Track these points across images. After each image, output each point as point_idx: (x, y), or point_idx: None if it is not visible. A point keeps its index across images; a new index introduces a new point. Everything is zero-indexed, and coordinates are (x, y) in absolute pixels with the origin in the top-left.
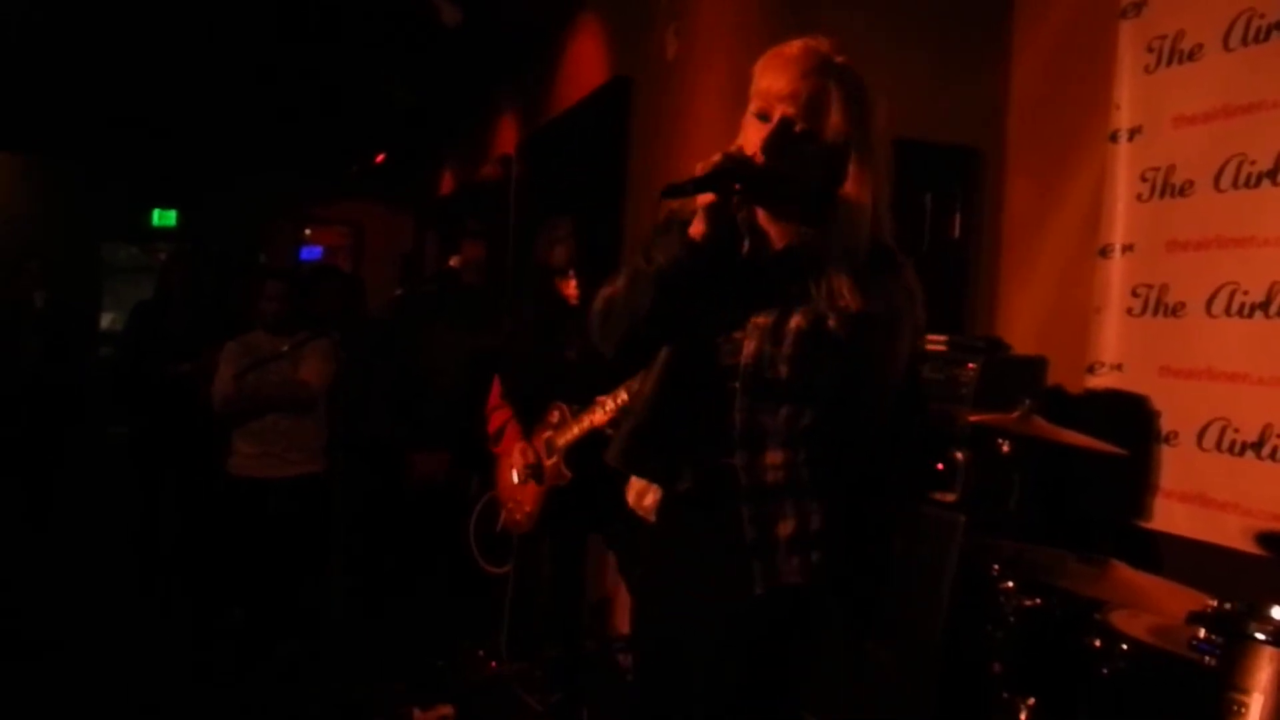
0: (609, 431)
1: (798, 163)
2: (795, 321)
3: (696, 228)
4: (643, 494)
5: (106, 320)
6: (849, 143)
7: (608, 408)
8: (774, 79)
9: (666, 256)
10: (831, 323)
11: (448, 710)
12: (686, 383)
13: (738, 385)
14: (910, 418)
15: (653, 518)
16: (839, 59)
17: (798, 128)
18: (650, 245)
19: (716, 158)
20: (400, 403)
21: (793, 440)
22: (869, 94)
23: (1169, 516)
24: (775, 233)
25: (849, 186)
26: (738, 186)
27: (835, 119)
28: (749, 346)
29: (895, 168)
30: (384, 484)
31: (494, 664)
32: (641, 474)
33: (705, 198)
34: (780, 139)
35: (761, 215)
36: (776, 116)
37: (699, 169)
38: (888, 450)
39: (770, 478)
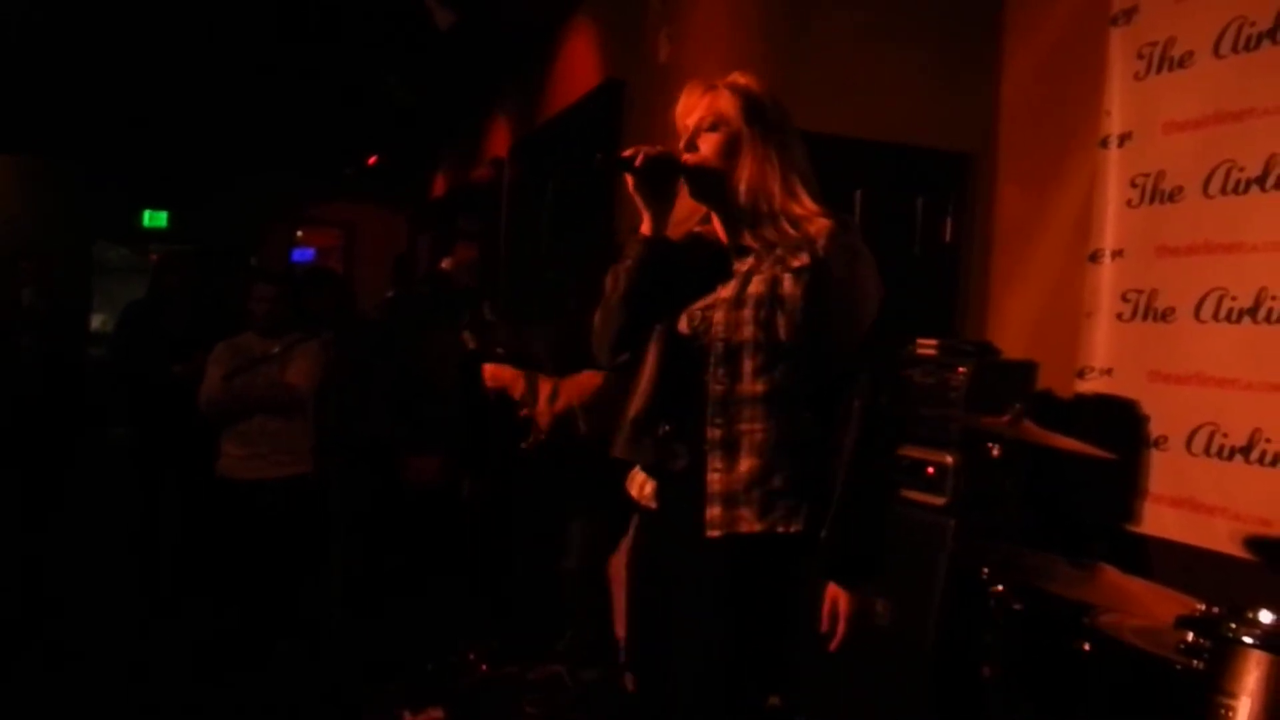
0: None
1: (711, 152)
2: (754, 287)
3: (644, 225)
4: (644, 484)
5: (97, 321)
6: (741, 133)
7: None
8: (685, 106)
9: (630, 256)
10: (786, 283)
11: (438, 713)
12: (672, 372)
13: (712, 359)
14: (875, 383)
15: (654, 504)
16: (731, 77)
17: (705, 124)
18: (620, 257)
19: (628, 152)
20: (400, 404)
21: (765, 400)
22: (764, 99)
23: (1158, 521)
24: (730, 241)
25: (747, 167)
26: (638, 164)
27: (730, 114)
28: (717, 318)
29: (889, 172)
30: (383, 485)
31: (484, 667)
32: (642, 460)
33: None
34: (692, 136)
35: (718, 228)
36: (691, 127)
37: (619, 155)
38: (854, 413)
39: (742, 436)
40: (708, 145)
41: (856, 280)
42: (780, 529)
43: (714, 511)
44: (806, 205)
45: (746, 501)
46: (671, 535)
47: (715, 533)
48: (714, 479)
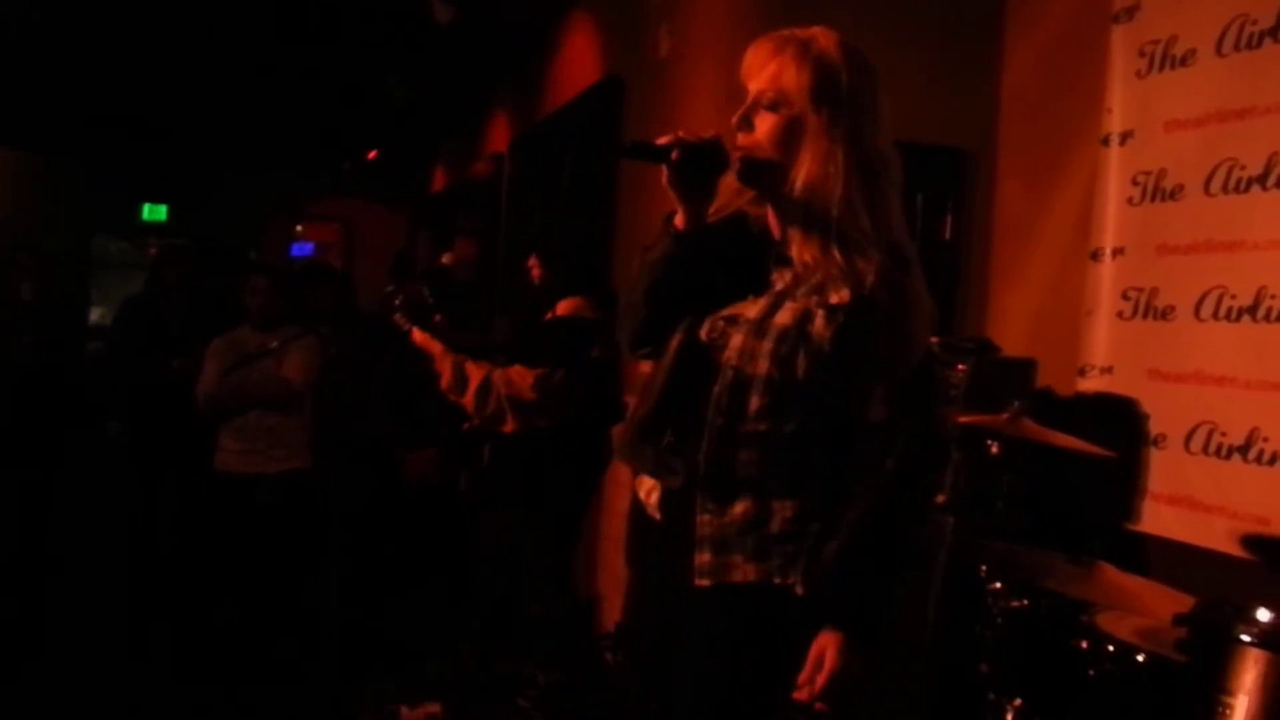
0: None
1: (766, 136)
2: (780, 317)
3: (679, 217)
4: (651, 491)
5: (95, 314)
6: (804, 118)
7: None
8: (749, 66)
9: (659, 248)
10: (818, 320)
11: (435, 709)
12: (685, 379)
13: (719, 385)
14: (910, 427)
15: (658, 515)
16: (808, 34)
17: (766, 99)
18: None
19: (668, 138)
20: (397, 400)
21: (768, 438)
22: (842, 71)
23: (1156, 519)
24: (778, 240)
25: (806, 164)
26: (674, 158)
27: (795, 93)
28: (735, 340)
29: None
30: (383, 483)
31: (480, 663)
32: (642, 468)
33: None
34: (749, 110)
35: (773, 220)
36: (750, 97)
37: (652, 144)
38: (875, 459)
39: (739, 475)
40: (764, 126)
41: (901, 329)
42: (777, 580)
43: (703, 558)
44: (864, 228)
45: (740, 547)
46: (674, 551)
47: (705, 581)
48: (704, 521)
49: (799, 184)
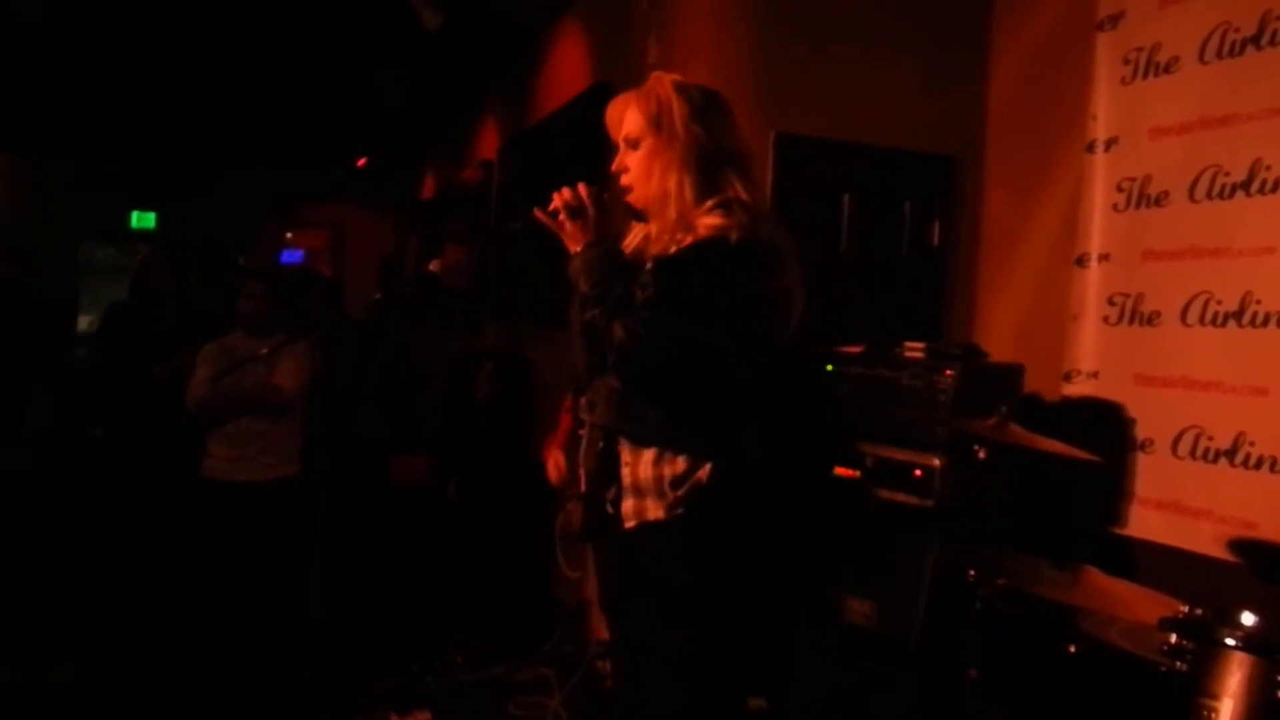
0: None
1: (636, 170)
2: (640, 293)
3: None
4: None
5: (84, 322)
6: (653, 144)
7: None
8: (610, 122)
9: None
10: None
11: (425, 715)
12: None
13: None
14: (769, 387)
15: (610, 509)
16: (647, 85)
17: (628, 142)
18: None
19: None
20: (387, 405)
21: (653, 395)
22: (667, 100)
23: (1143, 523)
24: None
25: (655, 176)
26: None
27: (641, 128)
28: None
29: (876, 175)
30: (371, 486)
31: (471, 668)
32: (602, 471)
33: None
34: (620, 157)
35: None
36: (620, 144)
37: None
38: (747, 410)
39: (639, 432)
40: (632, 162)
41: (709, 297)
42: (680, 511)
43: (627, 504)
44: (697, 212)
45: (649, 491)
46: (617, 532)
47: (631, 523)
48: (625, 473)
49: (652, 189)
